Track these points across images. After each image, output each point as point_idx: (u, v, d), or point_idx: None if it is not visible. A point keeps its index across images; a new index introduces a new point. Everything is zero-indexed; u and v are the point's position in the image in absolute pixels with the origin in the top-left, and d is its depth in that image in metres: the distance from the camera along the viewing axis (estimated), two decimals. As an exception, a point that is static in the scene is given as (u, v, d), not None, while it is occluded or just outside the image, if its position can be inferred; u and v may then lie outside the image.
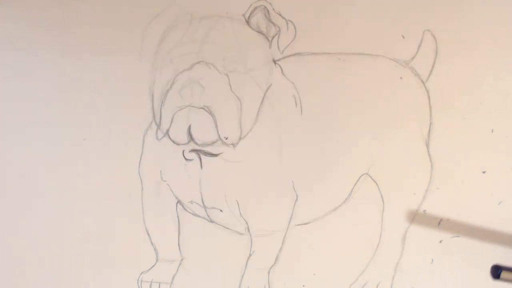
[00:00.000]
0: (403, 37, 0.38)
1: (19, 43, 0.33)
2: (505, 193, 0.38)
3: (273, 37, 0.37)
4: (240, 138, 0.36)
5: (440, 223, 0.38)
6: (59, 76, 0.33)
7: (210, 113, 0.36)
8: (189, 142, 0.36)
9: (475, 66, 0.37)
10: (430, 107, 0.38)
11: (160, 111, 0.35)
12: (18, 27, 0.33)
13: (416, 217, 0.38)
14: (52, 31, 0.33)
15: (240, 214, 0.36)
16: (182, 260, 0.35)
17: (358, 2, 0.37)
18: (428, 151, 0.38)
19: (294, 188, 0.37)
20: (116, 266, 0.34)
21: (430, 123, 0.38)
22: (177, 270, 0.35)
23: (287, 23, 0.37)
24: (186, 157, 0.36)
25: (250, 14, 0.37)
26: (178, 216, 0.35)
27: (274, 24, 0.37)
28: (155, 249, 0.35)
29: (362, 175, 0.38)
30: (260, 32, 0.37)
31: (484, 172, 0.38)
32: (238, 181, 0.36)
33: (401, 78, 0.38)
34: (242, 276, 0.36)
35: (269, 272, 0.37)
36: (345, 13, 0.37)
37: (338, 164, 0.37)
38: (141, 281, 0.35)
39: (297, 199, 0.37)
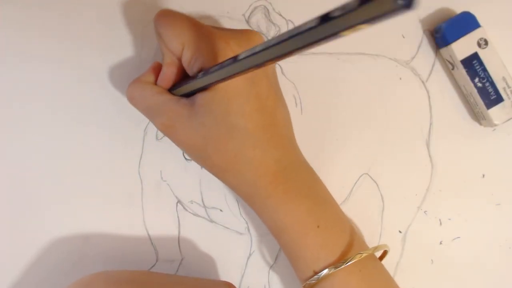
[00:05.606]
0: (403, 37, 0.38)
1: (18, 43, 0.33)
2: (505, 194, 0.38)
3: (273, 37, 0.37)
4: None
5: (440, 224, 0.38)
6: (58, 76, 0.33)
7: (210, 113, 0.36)
8: (189, 142, 0.36)
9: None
10: (430, 107, 0.38)
11: (160, 111, 0.35)
12: (17, 28, 0.33)
13: (416, 217, 0.38)
14: (52, 31, 0.33)
15: (240, 213, 0.36)
16: (182, 260, 0.35)
17: (358, 2, 0.37)
18: (429, 151, 0.38)
19: (294, 188, 0.37)
20: (116, 266, 0.34)
21: (430, 123, 0.38)
22: (177, 270, 0.35)
23: (287, 23, 0.37)
24: (186, 157, 0.36)
25: (250, 14, 0.36)
26: (178, 216, 0.35)
27: (274, 24, 0.37)
28: (155, 249, 0.35)
29: (362, 175, 0.38)
30: (260, 32, 0.37)
31: (484, 174, 0.38)
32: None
33: (400, 78, 0.38)
34: (242, 276, 0.36)
35: (269, 272, 0.37)
36: (345, 13, 0.37)
37: (337, 164, 0.37)
38: (141, 281, 0.35)
39: (297, 199, 0.37)
